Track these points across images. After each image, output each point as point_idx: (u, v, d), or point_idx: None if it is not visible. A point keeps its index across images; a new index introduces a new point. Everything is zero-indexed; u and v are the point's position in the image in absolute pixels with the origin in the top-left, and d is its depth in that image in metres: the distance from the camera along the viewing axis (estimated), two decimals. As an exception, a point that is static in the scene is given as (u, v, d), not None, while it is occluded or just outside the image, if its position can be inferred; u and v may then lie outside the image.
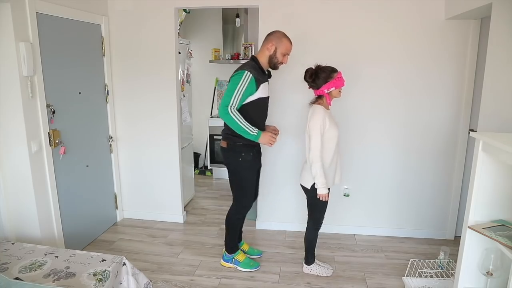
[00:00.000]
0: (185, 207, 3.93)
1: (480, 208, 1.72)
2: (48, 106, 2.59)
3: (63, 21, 2.74)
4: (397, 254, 3.04)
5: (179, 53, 3.56)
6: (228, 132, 2.52)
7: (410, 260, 2.73)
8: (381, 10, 2.98)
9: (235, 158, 2.55)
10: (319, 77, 2.37)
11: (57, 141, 2.68)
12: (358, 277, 2.72)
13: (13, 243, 2.26)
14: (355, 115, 3.18)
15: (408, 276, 2.58)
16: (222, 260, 2.86)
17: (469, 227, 1.72)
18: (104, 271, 1.97)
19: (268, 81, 2.58)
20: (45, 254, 2.13)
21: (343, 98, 3.15)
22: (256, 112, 2.51)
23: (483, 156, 1.66)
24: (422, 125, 3.13)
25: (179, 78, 3.58)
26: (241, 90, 2.36)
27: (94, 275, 1.92)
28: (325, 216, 2.62)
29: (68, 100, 2.84)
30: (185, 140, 3.94)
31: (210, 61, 4.92)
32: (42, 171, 2.57)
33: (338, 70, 2.41)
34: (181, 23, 4.80)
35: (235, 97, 2.36)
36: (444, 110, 3.08)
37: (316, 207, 2.53)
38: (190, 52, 4.11)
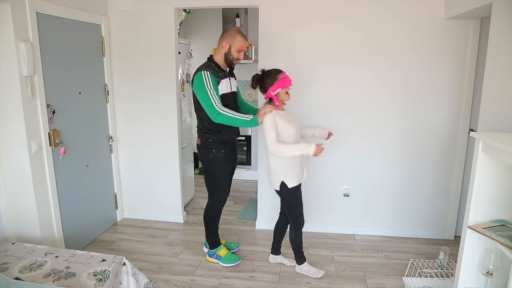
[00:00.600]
0: (185, 207, 3.93)
1: (480, 208, 1.72)
2: (48, 106, 2.59)
3: (63, 21, 2.74)
4: (397, 254, 3.04)
5: (179, 53, 3.56)
6: (201, 129, 2.62)
7: (410, 260, 2.73)
8: (380, 10, 2.98)
9: (207, 155, 2.63)
10: (265, 81, 2.41)
11: (57, 141, 2.68)
12: (358, 277, 2.72)
13: (13, 243, 2.26)
14: (354, 115, 3.18)
15: (408, 276, 2.58)
16: (207, 255, 2.92)
17: (469, 227, 1.72)
18: (104, 271, 1.97)
19: (229, 77, 2.62)
20: (45, 254, 2.13)
21: (344, 98, 3.16)
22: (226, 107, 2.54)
23: (483, 156, 1.66)
24: (422, 125, 3.13)
25: (179, 78, 3.58)
26: (210, 87, 2.42)
27: (94, 275, 1.92)
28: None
29: (68, 100, 2.84)
30: (185, 140, 3.94)
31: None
32: (42, 171, 2.57)
33: (283, 71, 2.42)
34: (181, 23, 4.79)
35: (212, 95, 2.42)
36: (444, 110, 3.08)
37: (291, 205, 2.54)
38: (190, 52, 4.11)
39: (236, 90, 2.73)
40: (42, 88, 2.52)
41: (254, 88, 2.48)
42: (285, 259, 2.88)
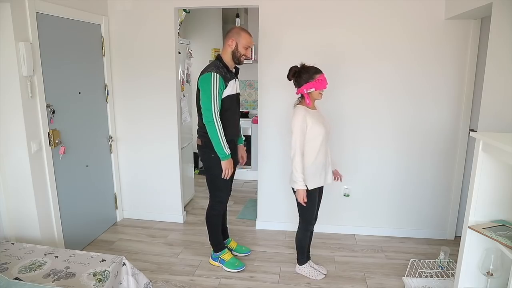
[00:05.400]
0: (185, 207, 3.93)
1: (480, 208, 1.72)
2: (48, 106, 2.59)
3: (63, 21, 2.74)
4: (397, 254, 3.04)
5: (179, 53, 3.55)
6: (202, 128, 2.61)
7: (410, 260, 2.73)
8: (380, 10, 2.98)
9: (208, 155, 2.61)
10: (301, 76, 2.38)
11: (57, 141, 2.68)
12: (358, 277, 2.72)
13: (13, 243, 2.26)
14: (355, 115, 3.18)
15: (408, 276, 2.58)
16: (210, 258, 2.88)
17: (469, 227, 1.72)
18: (104, 271, 1.97)
19: (235, 78, 2.63)
20: (45, 254, 2.13)
21: (344, 98, 3.16)
22: (226, 109, 2.55)
23: (483, 156, 1.66)
24: (422, 125, 3.13)
25: (179, 78, 3.58)
26: (216, 91, 2.42)
27: (94, 275, 1.92)
28: (318, 216, 2.62)
29: (68, 100, 2.84)
30: (185, 140, 3.94)
31: (210, 61, 4.91)
32: (42, 171, 2.57)
33: (322, 72, 2.40)
34: (181, 23, 4.79)
35: (213, 100, 2.42)
36: (444, 110, 3.08)
37: (304, 207, 2.52)
38: (190, 52, 4.11)
39: (239, 91, 2.73)
40: (42, 88, 2.51)
41: (290, 80, 2.44)
42: (316, 266, 2.78)
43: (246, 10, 4.91)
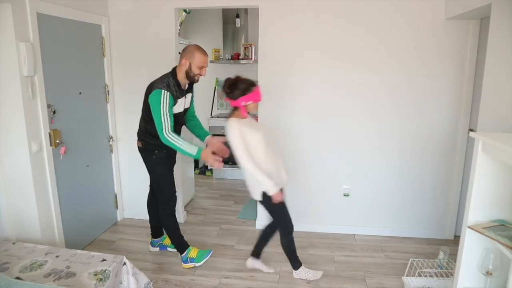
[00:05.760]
0: (185, 207, 3.94)
1: (479, 208, 1.73)
2: (48, 106, 2.59)
3: (63, 21, 2.74)
4: (397, 254, 3.05)
5: (179, 53, 3.55)
6: (141, 133, 2.71)
7: (410, 260, 2.73)
8: (380, 11, 2.98)
9: (149, 157, 2.70)
10: (238, 88, 2.30)
11: (57, 141, 2.69)
12: (358, 277, 2.72)
13: (14, 243, 2.26)
14: (355, 115, 3.19)
15: (408, 276, 2.58)
16: (182, 263, 2.84)
17: (468, 227, 1.72)
18: (105, 271, 1.97)
19: (186, 95, 2.64)
20: (46, 254, 2.13)
21: (344, 98, 3.17)
22: (175, 126, 2.57)
23: (483, 156, 1.66)
24: (422, 125, 3.13)
25: (179, 78, 3.57)
26: (166, 108, 2.44)
27: (94, 275, 1.93)
28: (290, 218, 2.55)
29: (68, 100, 2.85)
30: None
31: (210, 61, 4.92)
32: (43, 171, 2.57)
33: (257, 84, 2.36)
34: (181, 23, 4.80)
35: (164, 118, 2.44)
36: (444, 110, 3.08)
37: (276, 213, 2.49)
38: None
39: (189, 105, 2.76)
40: (43, 88, 2.52)
41: (226, 92, 2.35)
42: (264, 266, 2.79)
43: (246, 10, 4.92)
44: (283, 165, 2.55)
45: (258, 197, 2.46)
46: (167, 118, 2.45)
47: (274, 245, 3.17)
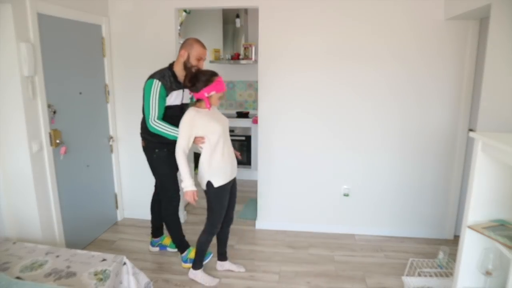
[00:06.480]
0: (185, 207, 3.94)
1: (479, 208, 1.73)
2: (49, 106, 2.59)
3: (64, 21, 2.75)
4: (396, 254, 3.05)
5: (179, 53, 3.55)
6: (143, 132, 2.73)
7: (410, 260, 2.73)
8: (380, 11, 2.99)
9: (151, 155, 2.73)
10: (199, 80, 2.32)
11: (57, 141, 2.69)
12: (357, 276, 2.72)
13: (14, 243, 2.26)
14: (354, 115, 3.19)
15: (408, 276, 2.58)
16: (182, 263, 2.84)
17: (468, 226, 1.73)
18: (105, 271, 1.97)
19: (184, 90, 2.64)
20: (46, 254, 2.13)
21: (346, 99, 3.17)
22: (170, 117, 2.57)
23: (483, 156, 1.66)
24: (421, 125, 3.13)
25: (179, 78, 3.58)
26: (155, 98, 2.48)
27: (94, 275, 1.93)
28: (221, 221, 2.55)
29: (68, 100, 2.85)
30: (185, 140, 3.93)
31: (210, 62, 4.93)
32: (43, 171, 2.58)
33: (218, 75, 2.38)
34: (181, 23, 4.81)
35: (152, 108, 2.49)
36: (443, 110, 3.09)
37: (212, 209, 2.48)
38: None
39: (189, 101, 2.75)
40: (43, 88, 2.52)
41: (187, 86, 2.39)
42: (233, 265, 2.79)
43: (246, 10, 4.92)
44: (234, 159, 2.56)
45: (203, 185, 2.47)
46: (155, 107, 2.49)
47: (273, 245, 3.18)
